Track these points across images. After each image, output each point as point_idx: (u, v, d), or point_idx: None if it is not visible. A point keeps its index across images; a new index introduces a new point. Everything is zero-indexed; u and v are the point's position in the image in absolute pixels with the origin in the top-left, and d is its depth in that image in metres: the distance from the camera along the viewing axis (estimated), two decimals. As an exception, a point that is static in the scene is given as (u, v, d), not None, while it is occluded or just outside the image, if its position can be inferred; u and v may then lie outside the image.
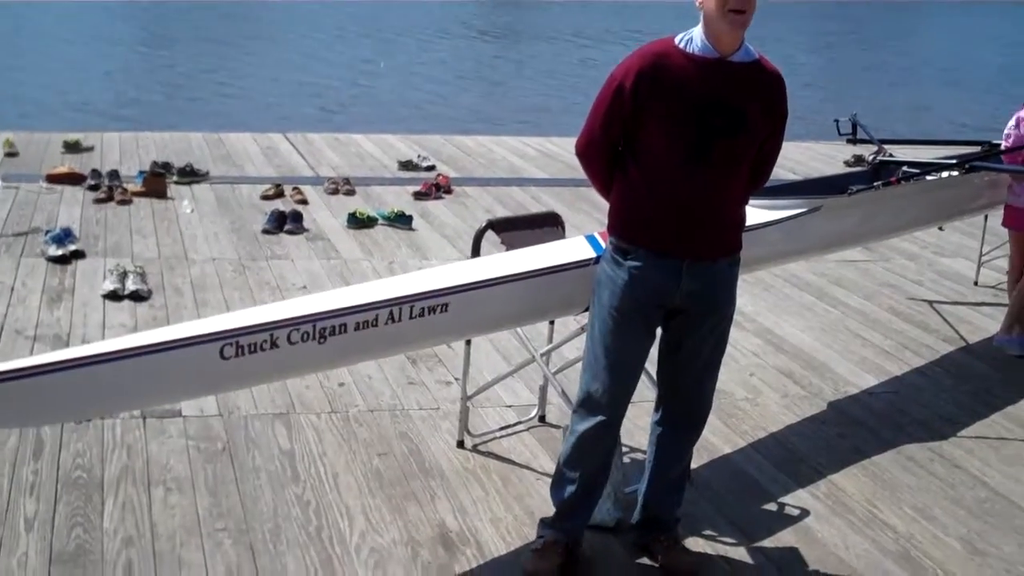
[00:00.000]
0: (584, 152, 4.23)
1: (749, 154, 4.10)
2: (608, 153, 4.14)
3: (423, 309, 4.25)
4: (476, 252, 5.03)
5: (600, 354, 4.16)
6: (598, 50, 31.45)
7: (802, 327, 7.29)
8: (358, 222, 8.85)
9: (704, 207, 4.05)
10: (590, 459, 4.28)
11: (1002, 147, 7.19)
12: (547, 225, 5.33)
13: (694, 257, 4.07)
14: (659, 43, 4.06)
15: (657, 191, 4.03)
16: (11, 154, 10.77)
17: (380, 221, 8.97)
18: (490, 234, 5.11)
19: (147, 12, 35.93)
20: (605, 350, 4.15)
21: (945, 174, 7.04)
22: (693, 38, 4.01)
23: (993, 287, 8.33)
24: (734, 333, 6.93)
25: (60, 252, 7.60)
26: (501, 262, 4.69)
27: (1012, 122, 7.10)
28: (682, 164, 3.98)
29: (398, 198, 9.81)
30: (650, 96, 3.94)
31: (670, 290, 4.09)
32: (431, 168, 11.12)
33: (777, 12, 37.21)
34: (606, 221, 4.25)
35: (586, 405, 4.21)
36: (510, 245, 5.06)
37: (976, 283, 8.48)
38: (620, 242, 4.13)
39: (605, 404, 4.18)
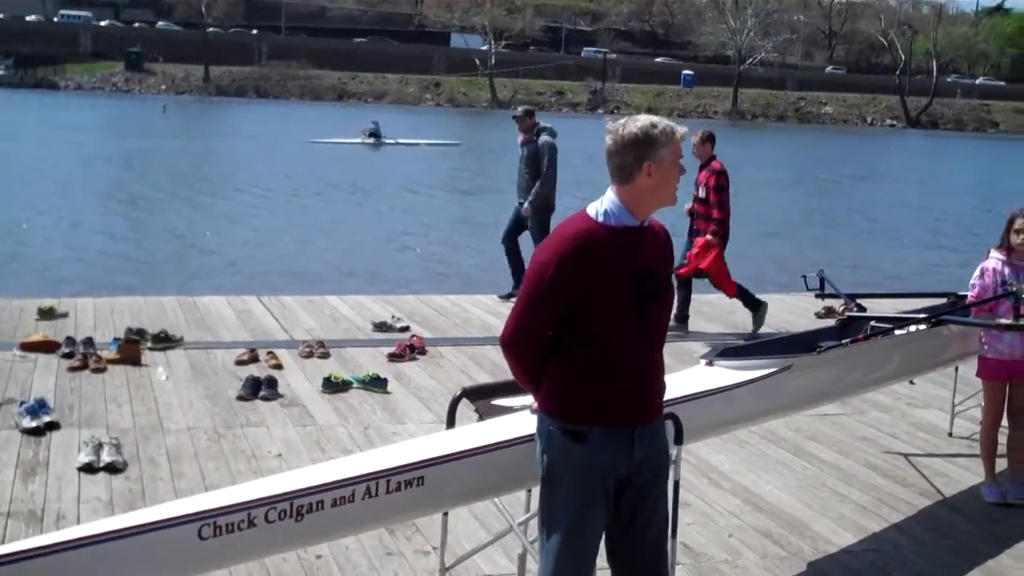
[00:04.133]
0: (514, 345, 4.11)
1: (669, 311, 4.26)
2: (541, 343, 4.08)
3: (399, 483, 4.26)
4: (451, 421, 5.05)
5: (563, 538, 4.07)
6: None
7: (779, 484, 7.27)
8: (333, 386, 8.85)
9: (649, 373, 4.12)
10: None
11: (968, 298, 7.27)
12: (521, 391, 5.34)
13: (643, 422, 4.12)
14: (577, 220, 4.04)
15: (609, 367, 4.02)
16: (-16, 322, 10.76)
17: (355, 385, 8.97)
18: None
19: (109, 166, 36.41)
20: (570, 532, 4.07)
21: (914, 328, 7.11)
22: (608, 209, 4.02)
23: (967, 438, 8.34)
24: (711, 492, 6.99)
25: (34, 424, 7.56)
26: (476, 432, 4.71)
27: (977, 272, 7.16)
28: (628, 335, 4.02)
29: (373, 360, 9.83)
30: (587, 277, 3.94)
31: (624, 460, 4.08)
32: (405, 329, 11.17)
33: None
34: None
35: None
36: (484, 413, 5.09)
37: (951, 434, 8.51)
38: (571, 425, 4.07)
39: None
